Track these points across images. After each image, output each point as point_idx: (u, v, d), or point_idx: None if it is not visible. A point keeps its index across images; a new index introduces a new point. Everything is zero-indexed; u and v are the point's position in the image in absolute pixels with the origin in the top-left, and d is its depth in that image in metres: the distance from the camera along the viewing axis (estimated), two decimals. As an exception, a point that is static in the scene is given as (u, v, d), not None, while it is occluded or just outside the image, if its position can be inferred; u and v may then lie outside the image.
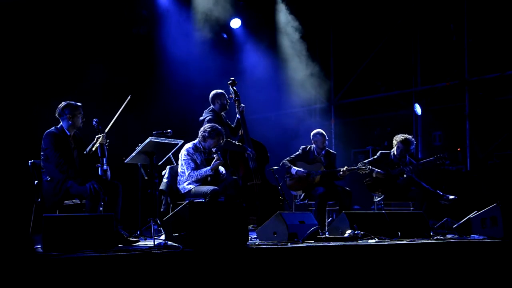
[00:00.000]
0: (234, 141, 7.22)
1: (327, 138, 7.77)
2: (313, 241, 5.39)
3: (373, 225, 5.75)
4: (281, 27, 11.09)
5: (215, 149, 6.44)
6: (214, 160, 6.43)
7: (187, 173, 6.48)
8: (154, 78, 10.07)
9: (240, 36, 11.14)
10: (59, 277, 3.72)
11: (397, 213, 6.26)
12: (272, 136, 10.18)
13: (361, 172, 7.45)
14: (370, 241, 5.39)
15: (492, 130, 10.39)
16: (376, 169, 7.57)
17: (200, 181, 6.48)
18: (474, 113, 10.48)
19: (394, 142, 7.69)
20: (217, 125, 6.60)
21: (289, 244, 5.09)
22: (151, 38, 10.06)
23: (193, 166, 6.48)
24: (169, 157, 6.85)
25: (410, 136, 7.65)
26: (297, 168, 7.46)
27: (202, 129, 6.61)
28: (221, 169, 6.68)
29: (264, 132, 10.10)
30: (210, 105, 7.36)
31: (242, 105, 7.44)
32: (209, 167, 6.45)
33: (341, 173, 7.38)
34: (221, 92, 7.37)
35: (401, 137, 7.63)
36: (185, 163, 6.51)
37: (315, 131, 7.75)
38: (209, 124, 6.62)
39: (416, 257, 5.19)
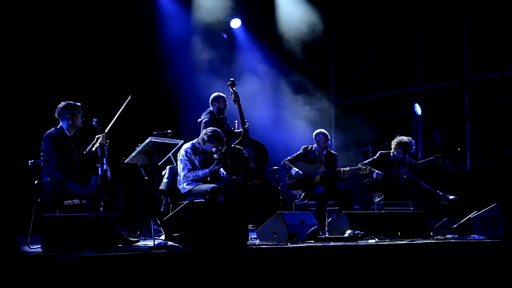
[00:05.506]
0: (232, 144, 7.20)
1: (329, 138, 7.71)
2: (313, 241, 5.40)
3: (373, 225, 5.75)
4: (281, 27, 11.09)
5: (215, 149, 6.39)
6: (214, 163, 6.36)
7: (182, 174, 6.43)
8: (154, 78, 10.06)
9: (240, 36, 11.14)
10: (59, 277, 3.73)
11: (397, 213, 6.26)
12: (272, 136, 10.16)
13: (361, 173, 7.43)
14: (370, 241, 5.39)
15: (492, 130, 10.39)
16: (376, 171, 7.55)
17: (199, 181, 6.47)
18: (474, 113, 10.48)
19: (394, 145, 7.64)
20: (219, 130, 6.53)
21: (289, 244, 5.09)
22: (151, 38, 10.06)
23: (190, 167, 6.43)
24: (169, 157, 6.84)
25: (409, 139, 7.59)
26: (296, 169, 7.43)
27: (203, 131, 6.57)
28: (221, 169, 6.66)
29: (264, 132, 10.10)
30: (209, 107, 7.35)
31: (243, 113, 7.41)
32: (207, 169, 6.38)
33: (342, 173, 7.36)
34: (221, 96, 7.34)
35: (401, 141, 7.57)
36: (181, 163, 6.46)
37: (317, 130, 7.67)
38: (211, 128, 6.54)
39: (416, 257, 5.19)
